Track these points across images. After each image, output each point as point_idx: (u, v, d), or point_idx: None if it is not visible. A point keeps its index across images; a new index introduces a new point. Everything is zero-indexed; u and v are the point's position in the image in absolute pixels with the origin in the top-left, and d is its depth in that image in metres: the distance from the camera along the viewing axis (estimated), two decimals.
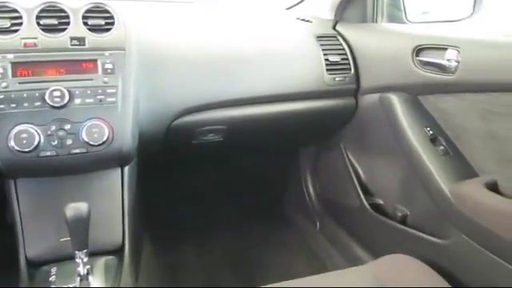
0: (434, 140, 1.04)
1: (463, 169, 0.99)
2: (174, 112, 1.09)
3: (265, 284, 0.92)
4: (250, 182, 1.82)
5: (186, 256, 1.56)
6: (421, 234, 1.08)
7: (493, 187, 0.90)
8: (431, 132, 1.04)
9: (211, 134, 1.20)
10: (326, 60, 1.24)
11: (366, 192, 1.32)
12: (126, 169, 1.01)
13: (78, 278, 0.86)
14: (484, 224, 0.86)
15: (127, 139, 0.92)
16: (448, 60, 0.99)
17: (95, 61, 0.91)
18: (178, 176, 1.75)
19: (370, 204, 1.29)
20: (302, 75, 1.21)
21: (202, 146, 1.24)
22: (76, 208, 0.80)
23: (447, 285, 0.89)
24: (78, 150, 0.88)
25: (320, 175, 1.62)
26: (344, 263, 1.40)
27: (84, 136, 0.87)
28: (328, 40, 1.28)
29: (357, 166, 1.37)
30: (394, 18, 1.32)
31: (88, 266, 0.86)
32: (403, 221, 1.17)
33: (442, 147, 1.03)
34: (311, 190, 1.66)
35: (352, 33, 1.31)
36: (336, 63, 1.25)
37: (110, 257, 0.97)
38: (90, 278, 0.87)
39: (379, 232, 1.26)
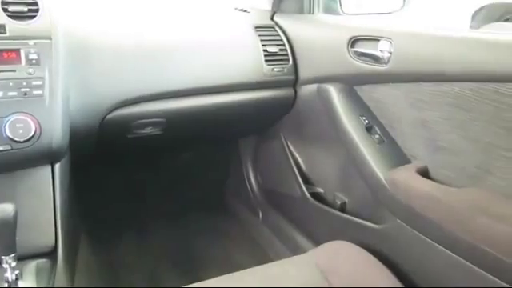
0: (369, 129, 1.07)
1: (397, 156, 1.03)
2: (107, 105, 1.04)
3: (207, 277, 0.91)
4: (190, 175, 1.79)
5: (126, 254, 1.51)
6: (359, 220, 1.12)
7: (424, 173, 0.95)
8: (367, 121, 1.07)
9: (149, 128, 1.16)
10: (265, 51, 1.24)
11: (307, 181, 1.34)
12: (57, 166, 0.94)
13: (6, 284, 0.80)
14: (416, 208, 0.90)
15: (57, 135, 0.87)
16: (381, 51, 1.02)
17: (18, 50, 0.85)
18: (116, 171, 1.69)
19: (310, 193, 1.31)
20: (240, 66, 1.20)
21: (139, 140, 1.20)
22: (0, 210, 0.74)
23: (384, 268, 0.93)
24: (1, 148, 0.82)
25: (261, 166, 1.63)
26: (286, 252, 1.42)
27: (7, 132, 0.81)
28: (266, 31, 1.28)
29: (297, 155, 1.39)
30: (329, 10, 1.34)
31: (17, 271, 0.80)
32: (342, 208, 1.20)
33: (377, 136, 1.06)
34: (253, 181, 1.66)
35: (289, 24, 1.32)
36: (274, 54, 1.25)
37: (43, 260, 0.91)
38: (20, 283, 0.81)
39: (320, 220, 1.29)
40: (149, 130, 1.17)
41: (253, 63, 1.22)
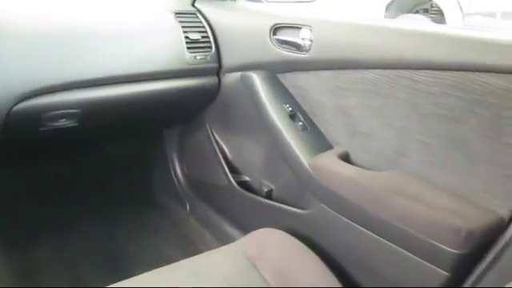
0: (293, 116, 1.08)
1: (320, 142, 1.05)
2: (13, 95, 0.95)
3: (136, 275, 0.87)
4: (112, 169, 1.71)
5: (44, 256, 1.40)
6: (285, 206, 1.13)
7: (345, 158, 0.98)
8: (290, 108, 1.08)
9: (63, 120, 1.08)
10: (186, 38, 1.20)
11: (233, 170, 1.34)
12: None
13: None
14: (338, 192, 0.93)
15: None
16: (302, 39, 1.03)
17: None
18: (29, 168, 1.56)
19: (237, 181, 1.30)
20: (161, 53, 1.15)
21: (52, 133, 1.11)
22: None
23: (310, 252, 0.95)
24: None
25: (187, 156, 1.60)
26: (216, 243, 1.41)
27: None
28: (187, 17, 1.24)
29: (222, 144, 1.37)
30: None
31: None
32: (269, 195, 1.21)
33: (300, 123, 1.08)
34: (179, 172, 1.62)
35: (211, 10, 1.29)
36: (196, 41, 1.21)
37: None
38: None
39: (248, 208, 1.29)
40: (63, 123, 1.08)
41: (174, 50, 1.17)
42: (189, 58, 1.20)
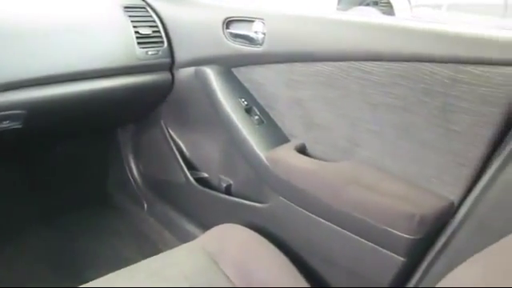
0: (248, 110, 1.08)
1: (276, 136, 1.05)
2: None
3: (94, 278, 0.85)
4: (66, 171, 1.64)
5: None
6: (244, 201, 1.13)
7: (301, 150, 0.99)
8: (246, 102, 1.08)
9: (6, 122, 1.02)
10: (137, 33, 1.16)
11: (190, 167, 1.31)
12: None
13: None
14: (296, 184, 0.93)
15: None
16: (255, 32, 1.03)
17: None
18: None
19: (195, 178, 1.29)
20: (110, 49, 1.11)
21: None
22: None
23: (271, 246, 0.95)
24: None
25: (142, 155, 1.56)
26: (177, 242, 1.38)
27: None
28: (137, 11, 1.20)
29: (179, 141, 1.35)
30: None
31: None
32: (228, 191, 1.20)
33: (256, 117, 1.07)
34: (135, 172, 1.58)
35: (162, 4, 1.25)
36: (147, 36, 1.18)
37: None
38: None
39: (207, 205, 1.28)
40: (6, 124, 1.02)
41: (124, 46, 1.13)
42: (140, 54, 1.16)
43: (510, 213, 0.68)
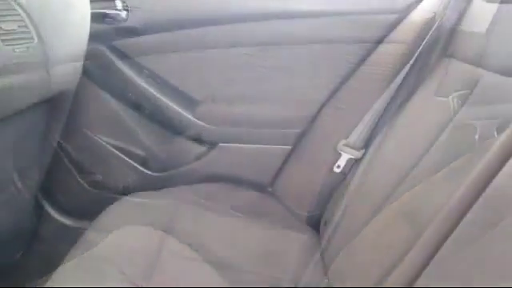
0: (137, 104, 1.03)
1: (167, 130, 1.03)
2: None
3: None
4: None
5: None
6: (142, 200, 1.09)
7: None
8: (132, 95, 1.03)
9: None
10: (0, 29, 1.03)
11: (81, 170, 1.24)
12: None
13: None
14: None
15: None
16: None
17: None
18: None
19: (87, 182, 1.21)
20: None
21: None
22: None
23: (171, 239, 0.94)
24: None
25: (27, 162, 1.42)
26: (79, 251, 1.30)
27: None
28: None
29: (67, 144, 1.25)
30: None
31: None
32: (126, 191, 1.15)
33: (146, 110, 1.03)
34: (20, 182, 1.44)
35: None
36: (12, 32, 1.06)
37: None
38: None
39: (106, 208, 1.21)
40: None
41: None
42: (6, 52, 1.03)
43: None
